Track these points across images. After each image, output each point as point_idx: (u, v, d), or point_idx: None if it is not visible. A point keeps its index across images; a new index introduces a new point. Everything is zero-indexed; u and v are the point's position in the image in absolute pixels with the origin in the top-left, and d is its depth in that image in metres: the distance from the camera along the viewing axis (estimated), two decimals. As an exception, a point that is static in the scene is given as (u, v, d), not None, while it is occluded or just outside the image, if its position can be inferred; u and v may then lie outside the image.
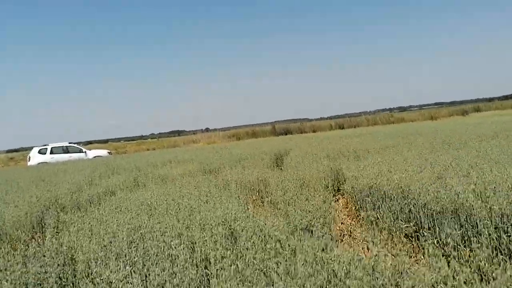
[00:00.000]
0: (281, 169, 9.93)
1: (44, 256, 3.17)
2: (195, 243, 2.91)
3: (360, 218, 5.28)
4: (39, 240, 5.09)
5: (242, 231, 2.97)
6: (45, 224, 6.13)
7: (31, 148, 24.72)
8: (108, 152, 25.82)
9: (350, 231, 5.06)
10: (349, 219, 5.66)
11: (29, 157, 23.75)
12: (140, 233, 3.22)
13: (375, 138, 14.83)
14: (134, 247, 2.95)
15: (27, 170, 17.03)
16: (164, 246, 2.84)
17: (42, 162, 22.61)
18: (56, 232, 5.64)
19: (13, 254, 3.40)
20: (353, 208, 5.78)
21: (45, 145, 24.03)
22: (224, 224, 3.29)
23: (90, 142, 67.99)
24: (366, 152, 10.26)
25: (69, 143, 24.65)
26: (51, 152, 23.57)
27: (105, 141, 78.37)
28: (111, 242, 3.11)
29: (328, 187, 6.44)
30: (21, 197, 8.32)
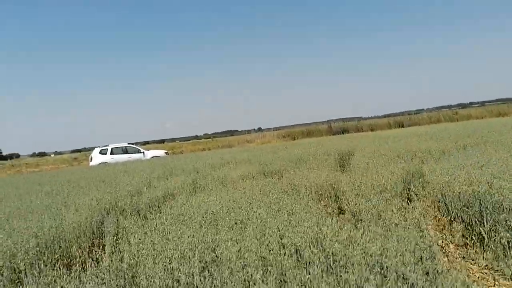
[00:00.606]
0: (343, 170, 9.21)
1: (102, 279, 2.74)
2: (285, 274, 2.32)
3: (453, 232, 4.48)
4: (97, 253, 4.77)
5: (346, 259, 2.33)
6: (104, 231, 5.84)
7: (93, 149, 25.44)
8: (165, 153, 26.06)
9: (442, 247, 4.30)
10: (436, 231, 4.86)
11: (91, 158, 24.44)
12: (214, 256, 2.68)
13: (446, 136, 13.63)
14: (208, 277, 2.40)
15: (89, 170, 17.38)
16: (246, 279, 2.28)
17: (103, 162, 23.16)
18: (116, 240, 5.32)
19: (67, 275, 3.01)
20: (444, 219, 4.96)
21: (106, 145, 24.64)
22: (314, 245, 2.68)
23: (147, 142, 70.03)
24: (441, 153, 9.28)
25: (128, 143, 25.10)
26: (111, 153, 24.10)
27: (162, 141, 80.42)
28: (179, 267, 2.59)
29: (416, 193, 5.61)
30: (82, 199, 8.20)
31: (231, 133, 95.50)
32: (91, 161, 24.26)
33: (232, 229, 3.52)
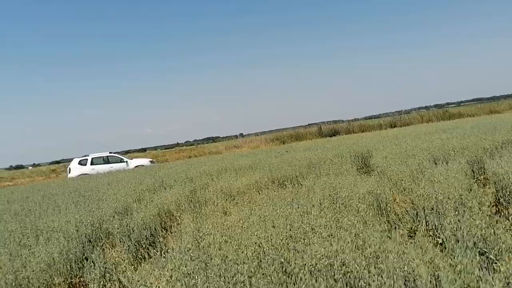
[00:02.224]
0: (371, 175, 7.78)
1: None
2: None
3: None
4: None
5: None
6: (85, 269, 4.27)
7: (72, 159, 23.53)
8: (150, 161, 24.31)
9: None
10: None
11: (69, 169, 22.53)
12: None
13: (465, 133, 12.39)
14: None
15: (67, 183, 15.58)
16: None
17: (82, 174, 21.33)
18: (103, 285, 3.78)
19: None
20: None
21: (86, 155, 22.79)
22: None
23: (128, 152, 67.64)
24: (483, 151, 7.93)
25: (110, 152, 23.31)
26: (92, 163, 22.26)
27: (143, 150, 77.91)
28: None
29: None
30: (57, 221, 6.61)
31: (213, 139, 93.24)
32: (69, 172, 22.33)
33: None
